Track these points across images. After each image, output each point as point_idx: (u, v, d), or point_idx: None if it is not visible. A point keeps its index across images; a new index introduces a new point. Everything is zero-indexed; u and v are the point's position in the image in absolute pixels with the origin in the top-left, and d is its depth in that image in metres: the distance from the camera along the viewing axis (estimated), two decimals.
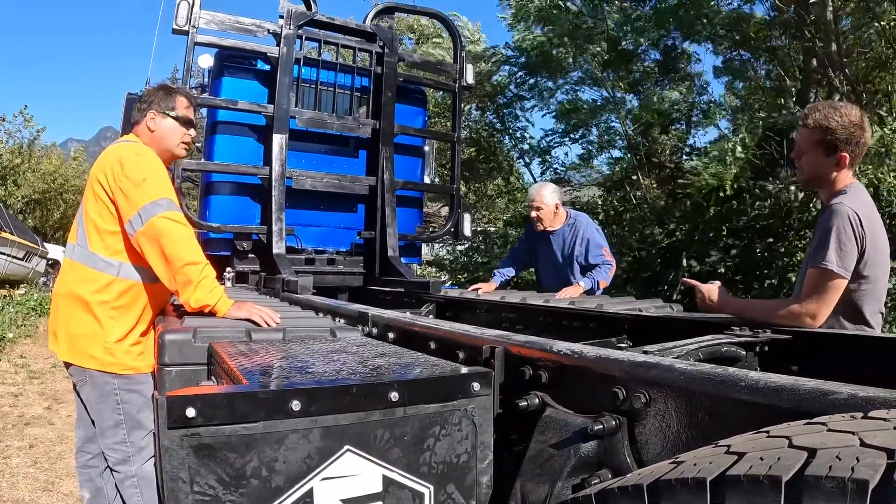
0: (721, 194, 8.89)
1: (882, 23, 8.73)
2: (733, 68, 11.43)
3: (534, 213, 5.63)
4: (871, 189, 6.72)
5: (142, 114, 3.32)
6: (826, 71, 9.90)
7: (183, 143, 3.40)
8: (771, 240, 8.75)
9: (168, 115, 3.32)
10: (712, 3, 10.38)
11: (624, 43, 12.44)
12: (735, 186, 9.18)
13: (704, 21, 10.54)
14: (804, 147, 2.94)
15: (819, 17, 9.68)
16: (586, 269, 5.51)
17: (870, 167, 7.22)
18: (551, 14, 12.03)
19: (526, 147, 15.83)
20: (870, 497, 0.70)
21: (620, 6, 12.31)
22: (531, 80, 14.30)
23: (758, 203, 9.13)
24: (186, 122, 3.38)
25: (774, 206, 8.92)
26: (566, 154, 17.95)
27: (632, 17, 11.99)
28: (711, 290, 2.98)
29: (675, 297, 9.39)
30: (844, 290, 2.72)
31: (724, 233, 9.47)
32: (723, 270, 9.38)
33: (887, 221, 5.46)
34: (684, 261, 9.71)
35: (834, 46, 9.73)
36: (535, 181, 14.15)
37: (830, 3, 9.20)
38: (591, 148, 14.78)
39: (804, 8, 9.57)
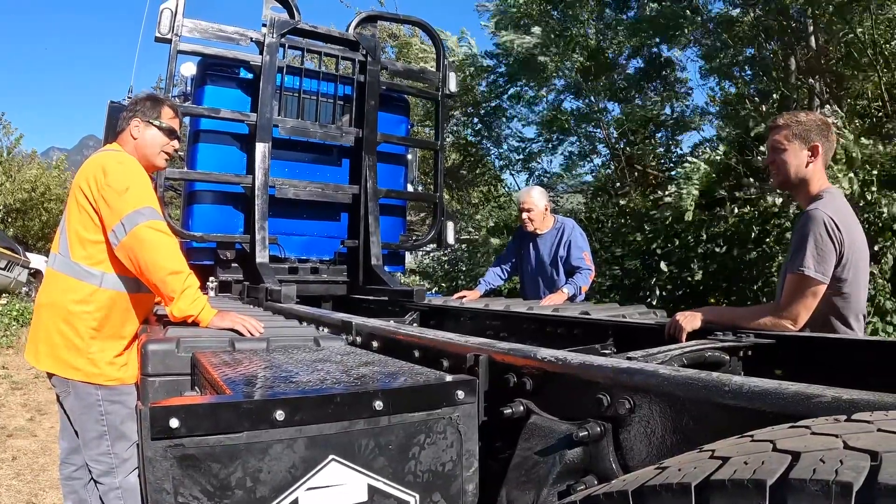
0: (688, 214, 8.93)
1: (859, 30, 8.83)
2: (719, 67, 11.46)
3: (525, 215, 5.70)
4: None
5: (127, 121, 3.33)
6: (806, 77, 10.00)
7: (164, 152, 3.40)
8: (750, 245, 8.80)
9: (152, 123, 3.32)
10: (692, 13, 10.45)
11: (604, 45, 12.47)
12: (703, 202, 9.26)
13: (685, 29, 10.60)
14: (779, 146, 3.01)
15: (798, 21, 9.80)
16: (567, 271, 5.56)
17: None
18: (532, 16, 12.07)
19: (510, 155, 15.86)
20: (854, 499, 0.71)
21: (600, 14, 12.37)
22: (512, 89, 14.31)
23: (736, 211, 9.20)
24: (170, 133, 3.39)
25: (753, 212, 8.98)
26: (550, 162, 17.98)
27: (612, 24, 12.06)
28: (690, 318, 2.79)
29: (656, 304, 9.44)
30: (825, 294, 2.76)
31: (704, 238, 9.53)
32: (701, 277, 9.44)
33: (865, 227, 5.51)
34: (664, 267, 9.75)
35: (813, 52, 9.83)
36: (520, 189, 14.18)
37: (809, 9, 9.29)
38: (573, 157, 14.82)
39: (784, 13, 9.66)
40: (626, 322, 3.27)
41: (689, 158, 9.73)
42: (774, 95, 10.81)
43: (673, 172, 11.15)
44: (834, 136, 3.06)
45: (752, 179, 9.11)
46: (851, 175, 7.17)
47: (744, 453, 0.88)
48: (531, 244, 5.81)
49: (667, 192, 9.72)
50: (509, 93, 14.36)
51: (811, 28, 9.87)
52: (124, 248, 2.91)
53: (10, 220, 28.91)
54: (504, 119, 15.16)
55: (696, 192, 8.80)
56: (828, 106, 8.59)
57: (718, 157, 9.21)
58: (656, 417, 1.42)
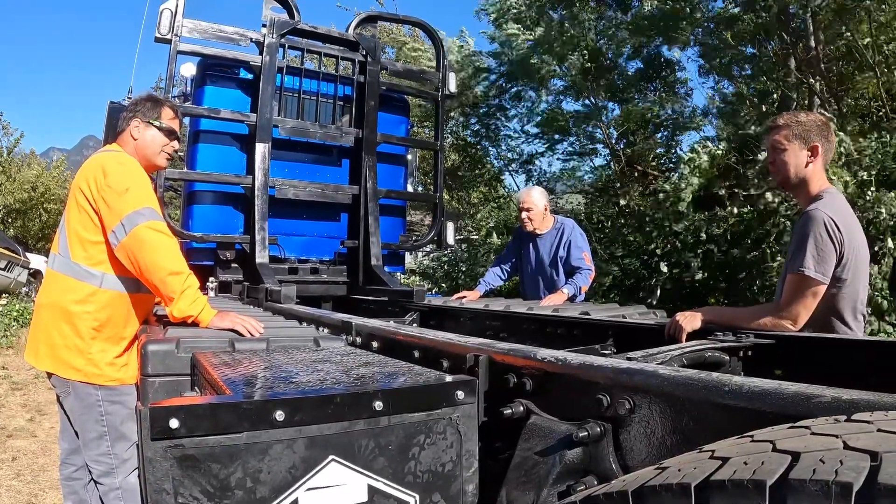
0: (682, 204, 8.94)
1: (856, 31, 8.84)
2: (719, 66, 11.45)
3: (524, 215, 5.70)
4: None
5: (127, 122, 3.33)
6: (806, 76, 10.00)
7: (164, 152, 3.40)
8: (751, 245, 8.80)
9: (152, 124, 3.32)
10: (692, 12, 10.46)
11: (604, 48, 12.47)
12: (701, 195, 9.27)
13: (684, 26, 10.61)
14: (779, 145, 3.01)
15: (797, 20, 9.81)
16: (567, 272, 5.56)
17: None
18: (532, 18, 12.08)
19: (508, 155, 15.87)
20: (854, 499, 0.70)
21: (601, 14, 12.36)
22: (513, 90, 14.29)
23: (736, 210, 9.20)
24: (170, 133, 3.39)
25: (752, 212, 8.98)
26: (549, 164, 17.98)
27: (612, 24, 12.05)
28: (690, 319, 2.77)
29: (656, 304, 9.44)
30: (825, 294, 2.75)
31: (704, 238, 9.53)
32: (701, 277, 9.43)
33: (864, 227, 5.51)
34: (664, 267, 9.75)
35: (813, 52, 9.84)
36: (519, 189, 14.20)
37: (809, 8, 9.29)
38: (574, 157, 14.82)
39: (784, 13, 9.67)
40: (626, 322, 3.27)
41: (694, 145, 9.74)
42: (774, 95, 10.81)
43: (675, 172, 11.17)
44: (834, 136, 3.07)
45: (750, 175, 9.10)
46: (846, 177, 7.17)
47: (744, 454, 0.88)
48: (531, 244, 5.80)
49: (666, 183, 9.74)
50: (511, 92, 14.35)
51: (811, 28, 9.87)
52: (124, 249, 2.91)
53: (10, 220, 28.90)
54: (504, 119, 15.16)
55: (696, 182, 8.80)
56: (821, 108, 8.61)
57: (719, 152, 9.23)
58: (656, 418, 1.41)
